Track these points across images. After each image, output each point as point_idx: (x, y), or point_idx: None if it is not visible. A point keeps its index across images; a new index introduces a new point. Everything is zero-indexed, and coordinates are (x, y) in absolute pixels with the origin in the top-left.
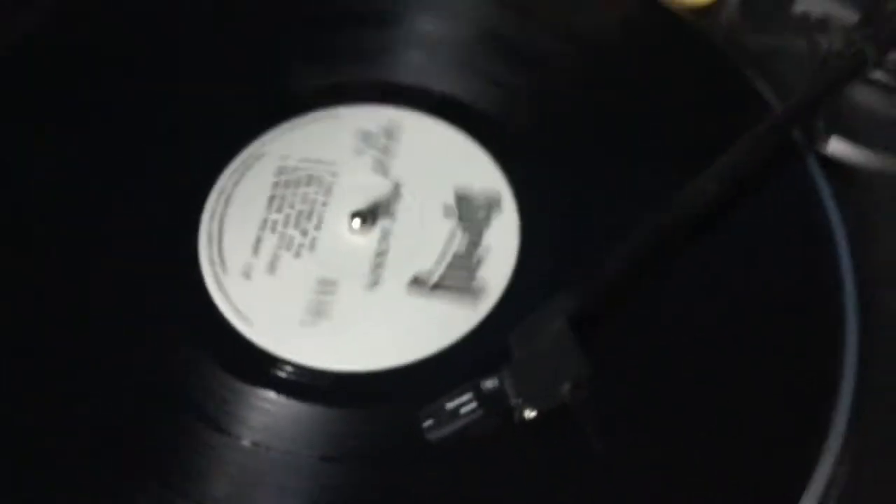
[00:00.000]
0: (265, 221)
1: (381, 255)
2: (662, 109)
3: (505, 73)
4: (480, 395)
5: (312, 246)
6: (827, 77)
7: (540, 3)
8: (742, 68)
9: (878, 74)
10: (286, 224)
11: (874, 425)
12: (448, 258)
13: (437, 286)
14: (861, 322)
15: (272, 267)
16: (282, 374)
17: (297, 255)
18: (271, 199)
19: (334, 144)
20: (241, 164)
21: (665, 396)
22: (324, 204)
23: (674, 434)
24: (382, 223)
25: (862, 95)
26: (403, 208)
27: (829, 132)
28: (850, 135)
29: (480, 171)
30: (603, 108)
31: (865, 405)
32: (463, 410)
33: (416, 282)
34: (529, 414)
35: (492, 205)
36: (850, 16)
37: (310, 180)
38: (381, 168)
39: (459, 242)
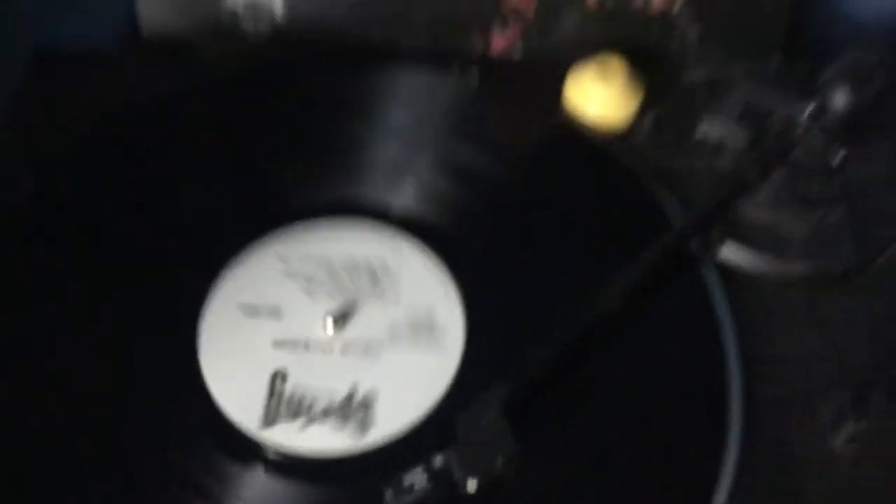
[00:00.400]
0: (328, 258)
1: (306, 346)
2: (585, 222)
3: None
4: (431, 471)
5: (311, 294)
6: (721, 193)
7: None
8: (652, 185)
9: (765, 189)
10: (330, 274)
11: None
12: (302, 409)
13: (266, 422)
14: (746, 413)
15: (287, 274)
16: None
17: (302, 289)
18: (352, 258)
19: (428, 297)
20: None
21: (582, 469)
22: (353, 298)
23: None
24: (340, 340)
25: (751, 209)
26: (364, 363)
27: (722, 241)
28: (741, 243)
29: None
30: (538, 232)
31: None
32: (417, 484)
33: (277, 376)
34: (471, 486)
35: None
36: (741, 141)
37: (377, 288)
38: (420, 341)
39: (321, 411)
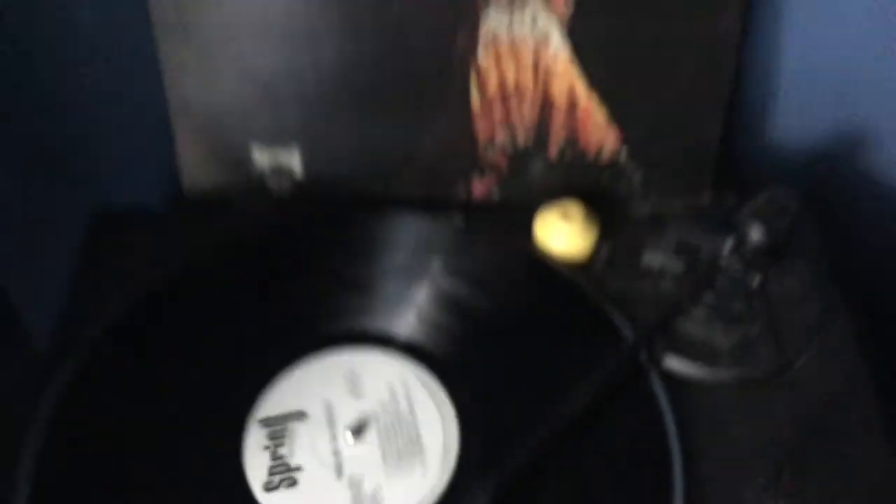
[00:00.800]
0: (413, 408)
1: (331, 424)
2: (551, 341)
3: None
4: None
5: (377, 412)
6: (663, 312)
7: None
8: (606, 306)
9: (698, 309)
10: (403, 414)
11: None
12: (273, 442)
13: (263, 423)
14: (687, 494)
15: (388, 384)
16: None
17: (380, 402)
18: (420, 427)
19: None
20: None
21: None
22: (384, 441)
23: None
24: (347, 448)
25: (687, 326)
26: (324, 472)
27: (664, 353)
28: (680, 354)
29: None
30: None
31: None
32: None
33: (300, 414)
34: None
35: None
36: (678, 269)
37: (403, 454)
38: None
39: (278, 456)
